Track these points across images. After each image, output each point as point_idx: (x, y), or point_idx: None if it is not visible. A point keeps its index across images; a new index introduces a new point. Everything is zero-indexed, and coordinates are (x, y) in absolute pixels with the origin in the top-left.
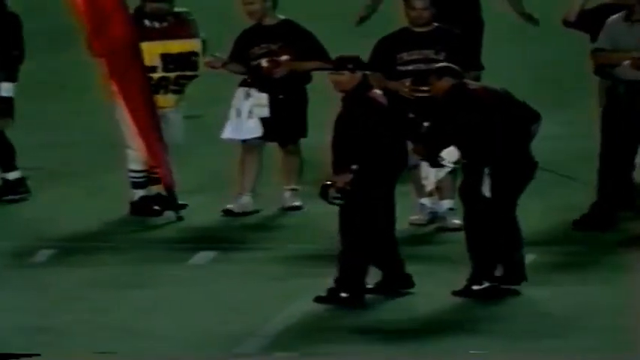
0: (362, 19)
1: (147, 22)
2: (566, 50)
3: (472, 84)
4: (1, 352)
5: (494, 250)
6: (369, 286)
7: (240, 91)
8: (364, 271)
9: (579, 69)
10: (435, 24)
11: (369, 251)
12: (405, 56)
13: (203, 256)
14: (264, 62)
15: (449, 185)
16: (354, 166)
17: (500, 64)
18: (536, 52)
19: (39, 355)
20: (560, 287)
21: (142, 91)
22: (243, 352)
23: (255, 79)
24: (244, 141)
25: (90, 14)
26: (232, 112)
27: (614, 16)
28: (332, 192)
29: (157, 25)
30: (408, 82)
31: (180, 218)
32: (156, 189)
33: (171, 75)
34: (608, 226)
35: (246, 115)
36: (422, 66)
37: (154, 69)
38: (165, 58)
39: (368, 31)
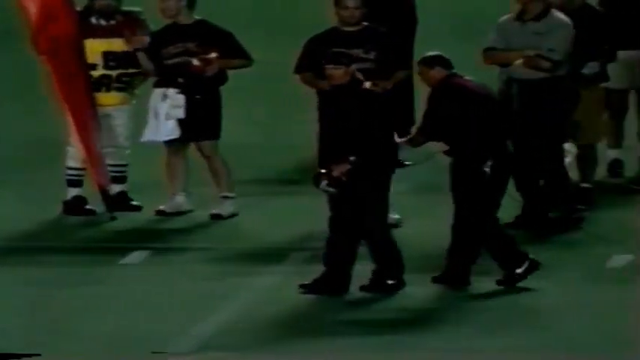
0: None
1: (93, 20)
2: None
3: (462, 76)
4: (2, 353)
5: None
6: (307, 282)
7: (158, 93)
8: (399, 255)
9: None
10: (365, 23)
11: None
12: None
13: (136, 256)
14: (195, 61)
15: None
16: (352, 158)
17: None
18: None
19: (39, 355)
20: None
21: (83, 90)
22: (176, 352)
23: (174, 78)
24: (167, 143)
25: (35, 12)
26: (150, 114)
27: (506, 16)
28: (324, 180)
29: (103, 22)
30: None
31: (113, 218)
32: (119, 187)
33: (113, 73)
34: (540, 226)
35: (164, 116)
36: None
37: (94, 66)
38: (107, 55)
39: None
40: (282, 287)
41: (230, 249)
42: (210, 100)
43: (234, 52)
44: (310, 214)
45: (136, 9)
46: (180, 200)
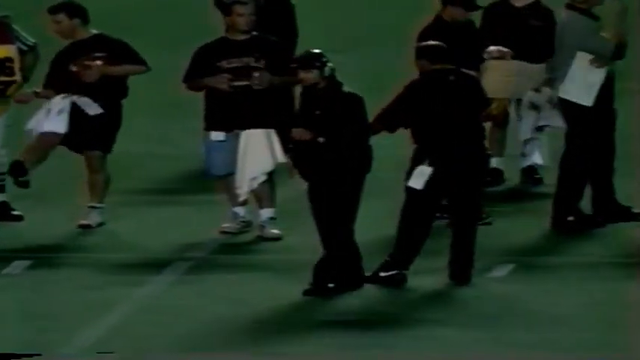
0: None
1: None
2: (397, 61)
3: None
4: (2, 353)
5: (410, 241)
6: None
7: (59, 96)
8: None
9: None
10: (254, 32)
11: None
12: (225, 64)
13: (18, 265)
14: (74, 68)
15: (267, 194)
16: (321, 139)
17: None
18: (367, 62)
19: (40, 354)
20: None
21: None
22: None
23: (73, 87)
24: (43, 134)
25: None
26: (41, 111)
27: None
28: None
29: None
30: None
31: None
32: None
33: None
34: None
35: (56, 112)
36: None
37: None
38: None
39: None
40: (162, 296)
41: (112, 258)
42: (109, 111)
43: (128, 60)
44: (192, 224)
45: (4, 14)
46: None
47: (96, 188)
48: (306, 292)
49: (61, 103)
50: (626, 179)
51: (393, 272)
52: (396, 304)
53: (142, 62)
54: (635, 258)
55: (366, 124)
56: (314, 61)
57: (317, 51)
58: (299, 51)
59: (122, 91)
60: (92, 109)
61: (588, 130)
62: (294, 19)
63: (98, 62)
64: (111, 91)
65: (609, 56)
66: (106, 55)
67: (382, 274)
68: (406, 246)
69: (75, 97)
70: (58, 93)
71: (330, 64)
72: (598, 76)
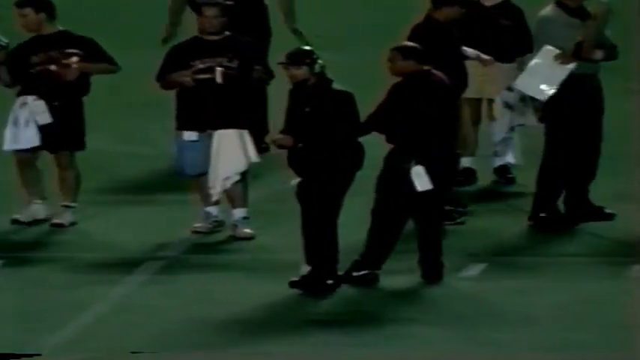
0: (166, 39)
1: None
2: (364, 60)
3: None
4: (1, 352)
5: (382, 241)
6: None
7: (18, 101)
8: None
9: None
10: (227, 32)
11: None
12: (199, 64)
13: None
14: (53, 66)
15: (240, 194)
16: (300, 144)
17: None
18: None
19: (39, 355)
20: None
21: None
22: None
23: (36, 86)
24: (20, 150)
25: None
26: (10, 121)
27: None
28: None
29: None
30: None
31: None
32: None
33: None
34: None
35: (24, 124)
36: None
37: None
38: None
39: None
40: (134, 295)
41: (84, 257)
42: (72, 108)
43: (98, 58)
44: (165, 223)
45: None
46: (36, 208)
47: (67, 186)
48: (292, 284)
49: (23, 112)
50: (626, 179)
51: (365, 272)
52: (371, 304)
53: (111, 61)
54: (609, 257)
55: (356, 121)
56: (304, 58)
57: (307, 48)
58: (289, 50)
59: (84, 89)
60: (42, 117)
61: (560, 128)
62: (268, 18)
63: (74, 59)
64: (73, 89)
65: (569, 54)
66: (80, 53)
67: (354, 273)
68: (378, 246)
69: (30, 102)
70: (14, 83)
71: (320, 61)
72: (562, 72)
